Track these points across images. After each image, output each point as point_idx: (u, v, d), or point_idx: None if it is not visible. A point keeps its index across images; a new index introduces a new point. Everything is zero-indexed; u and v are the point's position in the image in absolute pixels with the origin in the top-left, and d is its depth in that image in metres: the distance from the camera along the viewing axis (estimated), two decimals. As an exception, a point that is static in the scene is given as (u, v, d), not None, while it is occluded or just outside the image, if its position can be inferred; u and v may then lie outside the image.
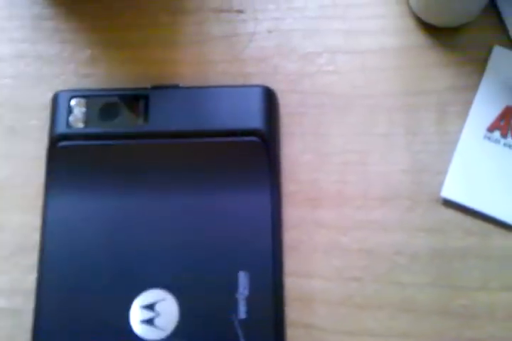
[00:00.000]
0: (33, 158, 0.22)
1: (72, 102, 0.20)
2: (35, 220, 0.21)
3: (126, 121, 0.20)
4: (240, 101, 0.20)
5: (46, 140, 0.22)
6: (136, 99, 0.20)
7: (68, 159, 0.20)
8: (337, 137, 0.21)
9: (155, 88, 0.20)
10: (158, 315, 0.18)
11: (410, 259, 0.21)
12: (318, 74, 0.22)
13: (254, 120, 0.20)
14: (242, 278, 0.19)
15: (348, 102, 0.22)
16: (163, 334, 0.18)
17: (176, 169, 0.20)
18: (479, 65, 0.22)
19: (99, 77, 0.23)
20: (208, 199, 0.19)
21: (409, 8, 0.23)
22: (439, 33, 0.23)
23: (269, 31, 0.23)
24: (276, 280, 0.19)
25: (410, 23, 0.23)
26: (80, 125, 0.20)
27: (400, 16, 0.23)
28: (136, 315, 0.18)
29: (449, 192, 0.21)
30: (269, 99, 0.20)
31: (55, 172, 0.20)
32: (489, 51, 0.23)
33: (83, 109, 0.20)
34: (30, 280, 0.20)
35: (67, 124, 0.20)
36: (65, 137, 0.20)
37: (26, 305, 0.20)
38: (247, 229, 0.19)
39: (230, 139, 0.20)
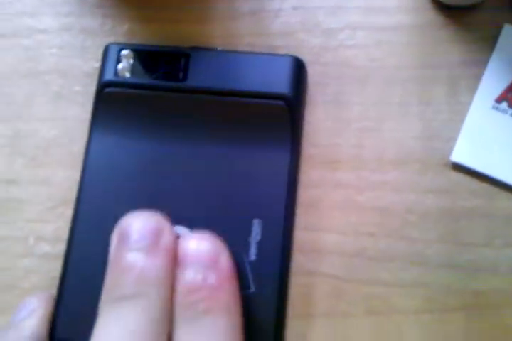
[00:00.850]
0: (77, 120, 0.24)
1: (122, 53, 0.22)
2: (77, 175, 0.23)
3: (167, 75, 0.22)
4: (272, 67, 0.22)
5: (89, 104, 0.24)
6: (178, 57, 0.22)
7: (112, 104, 0.22)
8: (356, 105, 0.23)
9: (196, 48, 0.23)
10: None
11: (420, 217, 0.22)
12: (339, 48, 0.24)
13: (283, 86, 0.22)
14: (256, 225, 0.21)
15: (366, 74, 0.24)
16: None
17: (208, 123, 0.22)
18: (489, 42, 0.24)
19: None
20: (233, 151, 0.21)
21: (425, -11, 0.25)
22: (451, 12, 0.25)
23: (294, 8, 0.25)
24: (286, 229, 0.21)
25: (425, 2, 0.25)
26: (127, 74, 0.22)
27: (416, -4, 0.25)
28: None
29: (458, 156, 0.22)
30: (298, 68, 0.22)
31: (100, 116, 0.22)
32: (499, 30, 0.24)
33: (130, 61, 0.22)
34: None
35: (115, 73, 0.22)
36: (111, 84, 0.22)
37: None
38: (265, 181, 0.21)
39: (258, 101, 0.21)
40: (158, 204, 0.20)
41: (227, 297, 0.17)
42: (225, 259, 0.18)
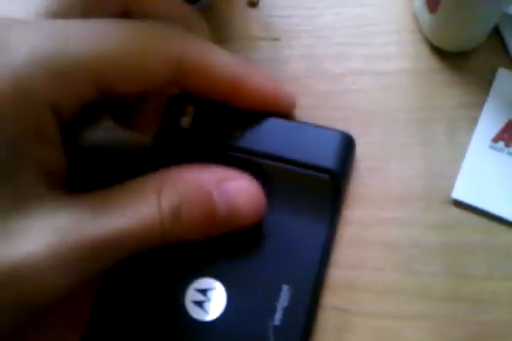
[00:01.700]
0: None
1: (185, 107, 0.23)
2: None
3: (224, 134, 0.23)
4: (322, 141, 0.22)
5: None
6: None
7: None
8: (361, 146, 0.25)
9: (252, 113, 0.23)
10: (208, 300, 0.22)
11: (425, 252, 0.24)
12: (344, 93, 0.26)
13: (329, 160, 0.22)
14: (285, 291, 0.21)
15: (370, 116, 0.26)
16: (207, 318, 0.21)
17: None
18: (485, 85, 0.26)
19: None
20: (271, 215, 0.22)
21: (423, 35, 0.27)
22: (448, 56, 0.26)
23: (301, 56, 0.27)
24: (313, 300, 0.22)
25: (424, 49, 0.27)
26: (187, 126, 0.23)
27: (414, 43, 0.27)
28: (191, 295, 0.22)
29: (459, 193, 0.24)
30: (347, 144, 0.23)
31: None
32: (494, 73, 0.26)
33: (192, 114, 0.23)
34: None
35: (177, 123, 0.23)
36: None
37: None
38: (299, 251, 0.22)
39: (303, 170, 0.22)
40: (190, 258, 0.22)
41: None
42: None
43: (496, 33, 0.27)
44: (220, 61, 0.20)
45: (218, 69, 0.20)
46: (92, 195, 0.19)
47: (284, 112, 0.23)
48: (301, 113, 0.26)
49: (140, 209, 0.18)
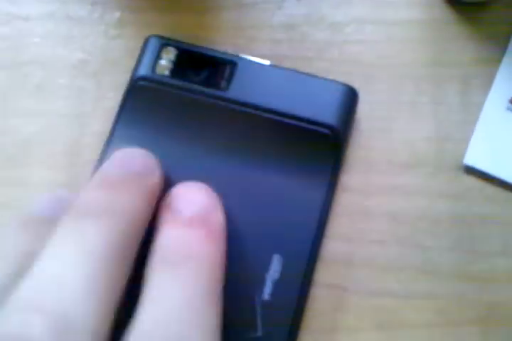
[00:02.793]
0: (61, 115, 0.22)
1: (164, 49, 0.20)
2: (59, 177, 0.21)
3: (208, 82, 0.20)
4: (322, 93, 0.20)
5: (74, 98, 0.22)
6: (223, 64, 0.20)
7: (144, 100, 0.20)
8: (364, 104, 0.22)
9: (245, 58, 0.20)
10: None
11: (432, 224, 0.21)
12: (345, 43, 0.23)
13: (331, 116, 0.20)
14: (276, 262, 0.19)
15: (374, 71, 0.23)
16: None
17: (243, 139, 0.20)
18: (502, 40, 0.23)
19: (128, 39, 0.23)
20: (267, 174, 0.19)
21: (435, -17, 0.24)
22: (464, 7, 0.23)
23: (298, 0, 0.24)
24: (308, 273, 0.19)
25: (436, -3, 0.24)
26: (166, 72, 0.20)
27: (426, -10, 0.24)
28: None
29: (471, 159, 0.21)
30: (351, 99, 0.20)
31: (128, 111, 0.20)
32: (512, 27, 0.23)
33: (172, 58, 0.20)
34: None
35: (153, 69, 0.20)
36: (147, 80, 0.20)
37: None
38: (294, 216, 0.19)
39: (303, 124, 0.19)
40: None
41: (213, 252, 0.16)
42: (217, 216, 0.17)
43: (515, -15, 0.24)
44: None
45: None
46: None
47: None
48: (297, 65, 0.22)
49: None
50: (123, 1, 0.23)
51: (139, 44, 0.22)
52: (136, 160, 0.17)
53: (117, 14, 0.23)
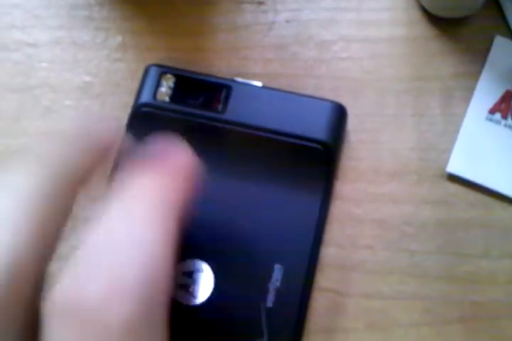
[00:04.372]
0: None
1: (163, 77, 0.22)
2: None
3: (206, 105, 0.22)
4: (313, 111, 0.21)
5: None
6: (219, 88, 0.22)
7: (147, 124, 0.21)
8: (352, 117, 0.23)
9: (239, 82, 0.22)
10: (195, 283, 0.20)
11: (418, 229, 0.22)
12: (333, 61, 0.24)
13: (323, 132, 0.21)
14: (277, 271, 0.20)
15: (361, 86, 0.24)
16: (195, 302, 0.20)
17: (241, 157, 0.21)
18: (481, 53, 0.24)
19: (129, 62, 0.25)
20: (264, 190, 0.21)
21: (417, 0, 0.25)
22: (443, 24, 0.25)
23: (288, 21, 0.25)
24: (307, 279, 0.20)
25: (417, 15, 0.25)
26: (166, 99, 0.22)
27: (408, 8, 0.25)
28: (176, 279, 0.20)
29: (454, 167, 0.23)
30: (339, 115, 0.22)
31: (133, 134, 0.21)
32: (490, 41, 0.24)
33: (171, 85, 0.22)
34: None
35: (154, 96, 0.22)
36: (149, 106, 0.22)
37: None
38: (292, 227, 0.20)
39: (296, 141, 0.21)
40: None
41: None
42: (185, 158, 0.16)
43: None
44: None
45: None
46: None
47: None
48: (288, 82, 0.24)
49: None
50: (124, 26, 0.25)
51: (140, 66, 0.24)
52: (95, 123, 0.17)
53: (119, 39, 0.25)
